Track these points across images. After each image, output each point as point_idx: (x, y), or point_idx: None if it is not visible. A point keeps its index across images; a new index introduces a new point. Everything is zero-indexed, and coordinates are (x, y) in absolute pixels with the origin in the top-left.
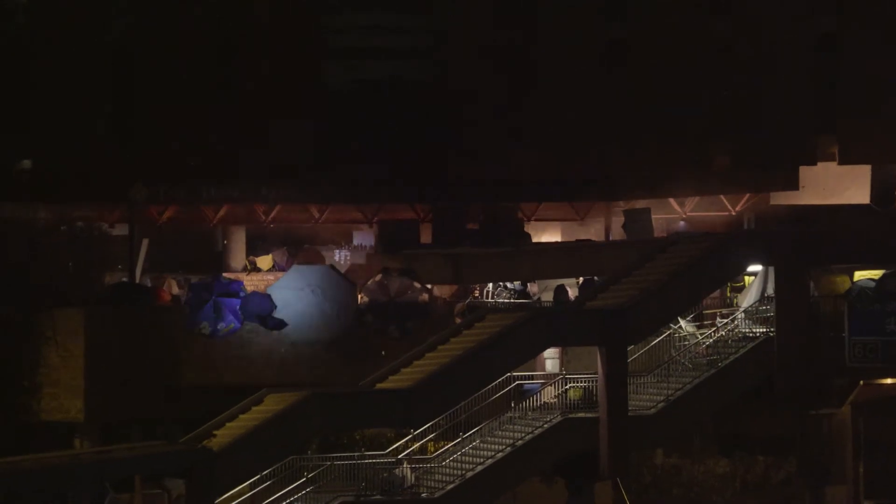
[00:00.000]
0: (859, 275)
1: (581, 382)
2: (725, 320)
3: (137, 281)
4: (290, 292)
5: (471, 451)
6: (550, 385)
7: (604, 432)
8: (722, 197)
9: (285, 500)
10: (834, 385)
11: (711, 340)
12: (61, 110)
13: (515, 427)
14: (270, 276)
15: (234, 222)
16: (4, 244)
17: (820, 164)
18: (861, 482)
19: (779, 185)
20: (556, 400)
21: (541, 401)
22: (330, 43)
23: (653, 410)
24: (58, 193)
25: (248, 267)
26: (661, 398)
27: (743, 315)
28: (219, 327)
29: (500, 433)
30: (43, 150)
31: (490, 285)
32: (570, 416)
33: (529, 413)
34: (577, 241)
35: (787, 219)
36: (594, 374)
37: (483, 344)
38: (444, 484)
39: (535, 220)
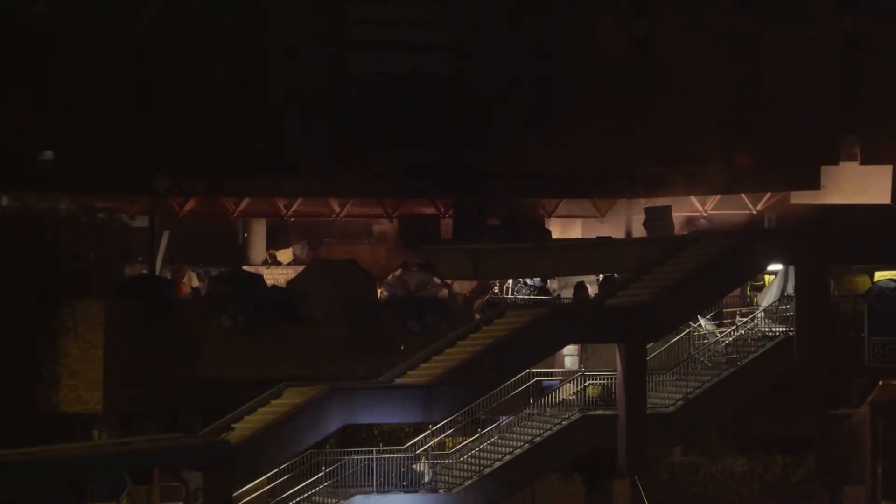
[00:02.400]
0: (879, 275)
1: (600, 379)
2: (745, 319)
3: (157, 273)
4: (311, 286)
5: (489, 447)
6: (569, 382)
7: (622, 430)
8: (743, 196)
9: (303, 494)
10: (853, 385)
11: (731, 339)
12: (85, 101)
13: (534, 423)
14: (290, 270)
15: (255, 215)
16: (26, 234)
17: (841, 164)
18: (879, 482)
19: (800, 184)
20: (574, 397)
21: (559, 397)
22: (352, 36)
23: (671, 408)
24: (80, 184)
25: (269, 260)
26: (680, 396)
27: (762, 314)
28: (238, 320)
29: (518, 429)
30: (66, 141)
31: (510, 281)
32: (589, 413)
33: (548, 410)
34: (598, 237)
35: (808, 218)
36: (613, 371)
37: (502, 340)
38: (462, 480)
39: (556, 216)
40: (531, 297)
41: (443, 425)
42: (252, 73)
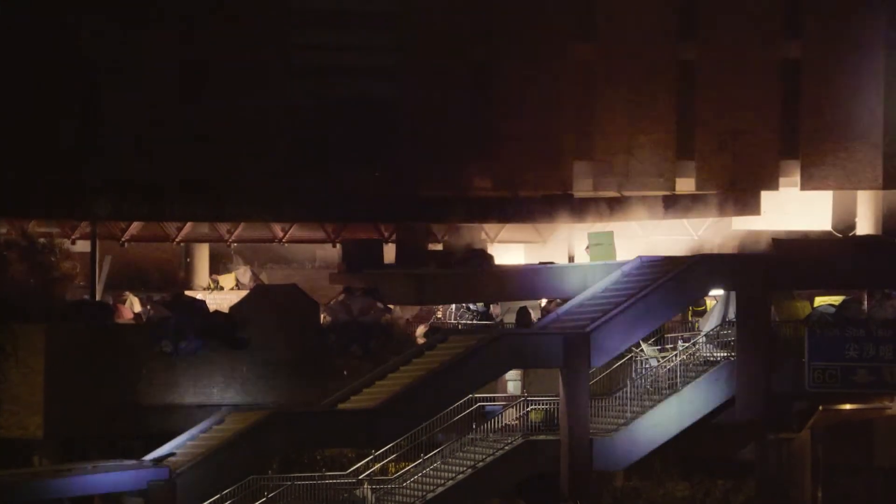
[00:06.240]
0: (819, 300)
1: (542, 404)
2: (686, 344)
3: (99, 298)
4: (253, 311)
5: (432, 472)
6: (512, 407)
7: (565, 455)
8: (684, 221)
9: None
10: (793, 410)
11: (672, 364)
12: (24, 124)
13: (476, 449)
14: (233, 295)
15: (197, 240)
16: None
17: (781, 190)
18: None
19: (741, 209)
20: (517, 422)
21: (502, 422)
22: (295, 61)
23: (614, 433)
24: (19, 208)
25: (211, 285)
26: (622, 421)
27: (704, 339)
28: (181, 346)
29: (461, 454)
30: (5, 164)
31: (453, 306)
32: (532, 438)
33: (491, 435)
34: (541, 263)
35: (749, 243)
36: (556, 396)
37: (446, 365)
38: None
39: (499, 241)
40: (474, 321)
41: (385, 450)
42: (194, 98)
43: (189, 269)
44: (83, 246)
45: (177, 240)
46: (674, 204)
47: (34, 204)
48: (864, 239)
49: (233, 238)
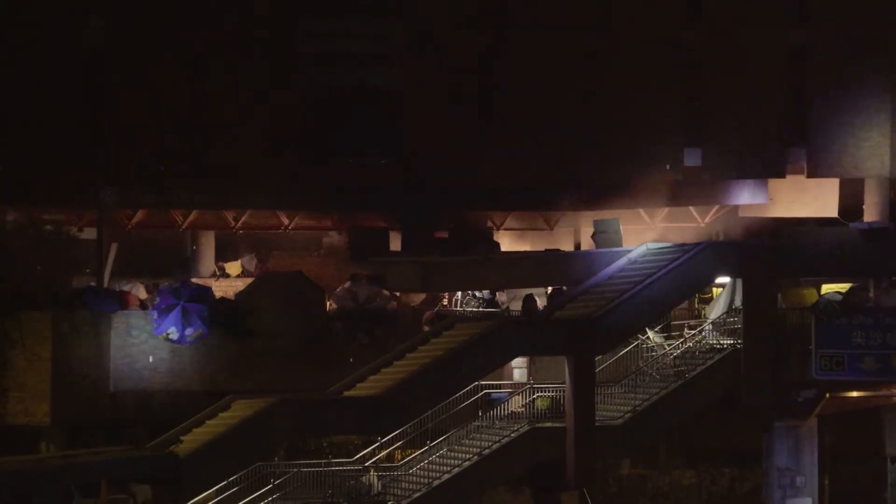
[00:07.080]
0: (826, 288)
1: (549, 392)
2: (693, 331)
3: (105, 285)
4: (259, 298)
5: (438, 459)
6: (518, 394)
7: (571, 442)
8: (691, 208)
9: None
10: (800, 397)
11: (679, 351)
12: (31, 113)
13: (483, 436)
14: (239, 282)
15: (203, 227)
16: None
17: (788, 177)
18: (826, 494)
19: (748, 197)
20: (523, 409)
21: (508, 410)
22: (301, 48)
23: (620, 421)
24: (26, 196)
25: (217, 273)
26: (629, 409)
27: (710, 326)
28: (186, 333)
29: (467, 442)
30: (11, 153)
31: (458, 294)
32: (538, 425)
33: (497, 422)
34: (546, 250)
35: (756, 230)
36: (562, 383)
37: (451, 353)
38: (410, 492)
39: (505, 229)
40: (480, 309)
41: (391, 437)
42: (199, 86)
43: (195, 256)
44: (90, 233)
45: (183, 227)
46: (680, 191)
47: (41, 192)
48: (872, 226)
49: (238, 225)
